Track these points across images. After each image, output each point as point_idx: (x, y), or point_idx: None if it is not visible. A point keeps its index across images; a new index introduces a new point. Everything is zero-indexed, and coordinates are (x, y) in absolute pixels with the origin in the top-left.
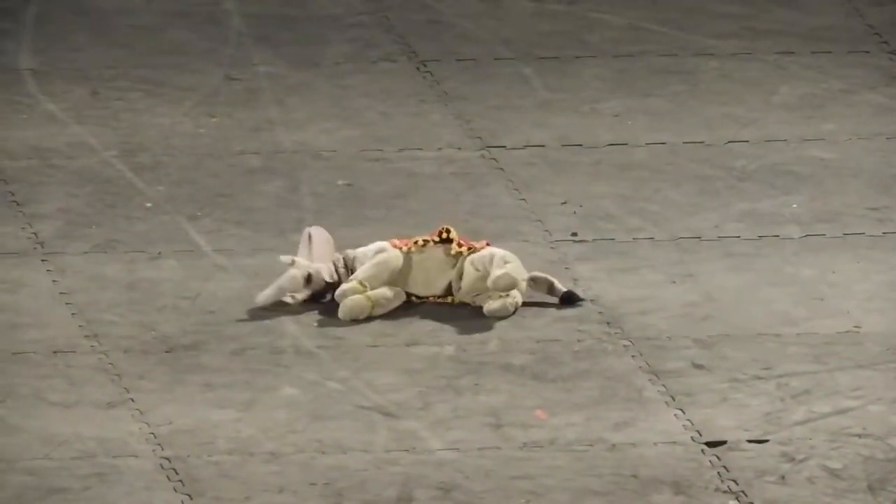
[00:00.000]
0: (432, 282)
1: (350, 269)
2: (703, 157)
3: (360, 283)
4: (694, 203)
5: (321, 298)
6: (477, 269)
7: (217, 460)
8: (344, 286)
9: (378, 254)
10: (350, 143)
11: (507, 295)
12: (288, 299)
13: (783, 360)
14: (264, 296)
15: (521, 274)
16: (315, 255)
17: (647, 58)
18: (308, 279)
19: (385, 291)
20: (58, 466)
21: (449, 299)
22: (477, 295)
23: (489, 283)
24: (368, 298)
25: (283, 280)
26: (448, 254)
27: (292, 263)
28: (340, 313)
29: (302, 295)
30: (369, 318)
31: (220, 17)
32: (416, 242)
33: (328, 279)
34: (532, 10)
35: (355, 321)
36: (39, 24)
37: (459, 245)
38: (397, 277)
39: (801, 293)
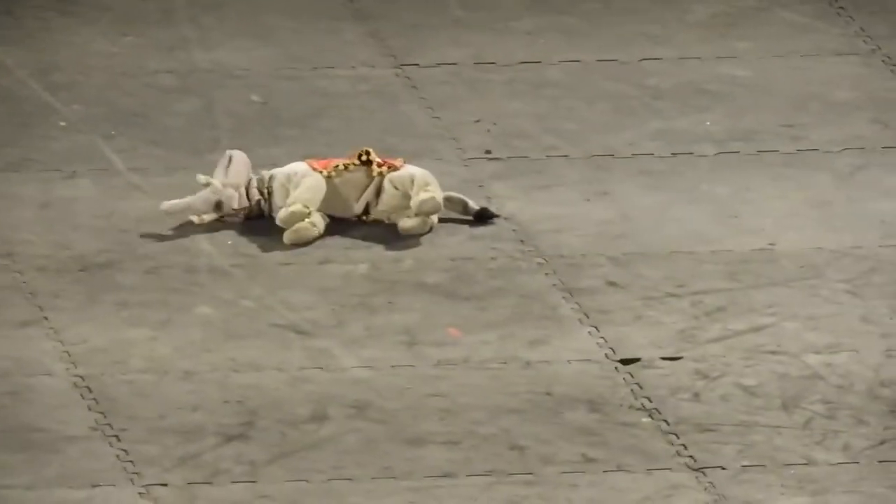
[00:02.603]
0: (351, 204)
1: (267, 190)
2: (617, 76)
3: (305, 205)
4: (608, 121)
5: (231, 219)
6: (396, 189)
7: (131, 379)
8: (291, 209)
9: (305, 177)
10: (264, 62)
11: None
12: (193, 218)
13: (697, 277)
14: (171, 205)
15: (440, 196)
16: (231, 177)
17: None
18: (218, 205)
19: (320, 217)
20: None
21: (363, 217)
22: (393, 213)
23: (413, 206)
24: (314, 225)
25: (194, 199)
26: (369, 175)
27: (207, 185)
28: (287, 238)
29: (209, 217)
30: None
31: None
32: (336, 167)
33: (236, 206)
34: None
35: (295, 245)
36: None
37: (379, 165)
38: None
39: (716, 211)
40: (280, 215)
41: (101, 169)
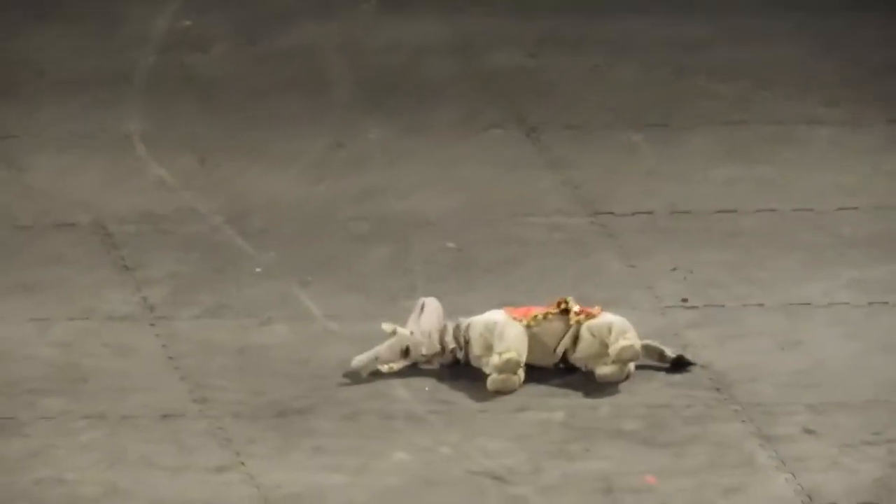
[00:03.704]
0: (549, 352)
1: (463, 339)
2: (813, 225)
3: (518, 353)
4: (803, 270)
5: (426, 365)
6: (593, 336)
7: None
8: (506, 357)
9: (507, 327)
10: (459, 210)
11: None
12: (383, 368)
13: (893, 426)
14: (359, 360)
15: (638, 344)
16: (421, 323)
17: (755, 126)
18: (406, 351)
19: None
20: None
21: (561, 365)
22: (590, 361)
23: (611, 353)
24: (519, 375)
25: (380, 348)
26: (566, 324)
27: (393, 333)
28: (493, 386)
29: (398, 365)
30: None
31: (328, 84)
32: (535, 316)
33: (424, 352)
34: (639, 78)
35: (499, 392)
36: (150, 90)
37: (577, 314)
38: None
39: None
40: (494, 362)
41: (297, 315)
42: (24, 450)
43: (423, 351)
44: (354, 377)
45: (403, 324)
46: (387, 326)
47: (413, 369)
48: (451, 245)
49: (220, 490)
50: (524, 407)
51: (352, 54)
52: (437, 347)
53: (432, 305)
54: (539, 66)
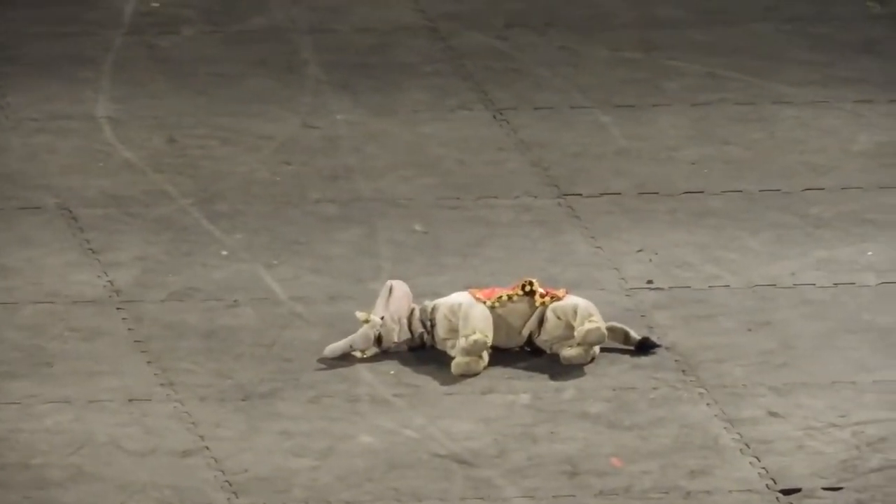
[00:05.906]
0: (514, 334)
1: (430, 321)
2: (780, 205)
3: (485, 335)
4: (770, 251)
5: (393, 349)
6: (559, 319)
7: None
8: (473, 338)
9: (472, 308)
10: (427, 191)
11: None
12: (356, 353)
13: (859, 407)
14: (332, 349)
15: (604, 326)
16: (391, 309)
17: (725, 106)
18: (379, 339)
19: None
20: None
21: (526, 347)
22: (555, 343)
23: (577, 336)
24: (483, 357)
25: (354, 337)
26: (532, 306)
27: (366, 321)
28: (457, 369)
29: (371, 352)
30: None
31: (298, 66)
32: (499, 297)
33: (396, 339)
34: (609, 58)
35: (464, 376)
36: (117, 72)
37: (542, 296)
38: None
39: (878, 341)
40: (461, 345)
41: (263, 298)
42: None
43: (395, 338)
44: (320, 361)
45: (371, 306)
46: (360, 315)
47: (378, 352)
48: (418, 228)
49: (185, 474)
50: (489, 390)
51: (321, 36)
52: (409, 334)
53: (401, 289)
54: (508, 48)
